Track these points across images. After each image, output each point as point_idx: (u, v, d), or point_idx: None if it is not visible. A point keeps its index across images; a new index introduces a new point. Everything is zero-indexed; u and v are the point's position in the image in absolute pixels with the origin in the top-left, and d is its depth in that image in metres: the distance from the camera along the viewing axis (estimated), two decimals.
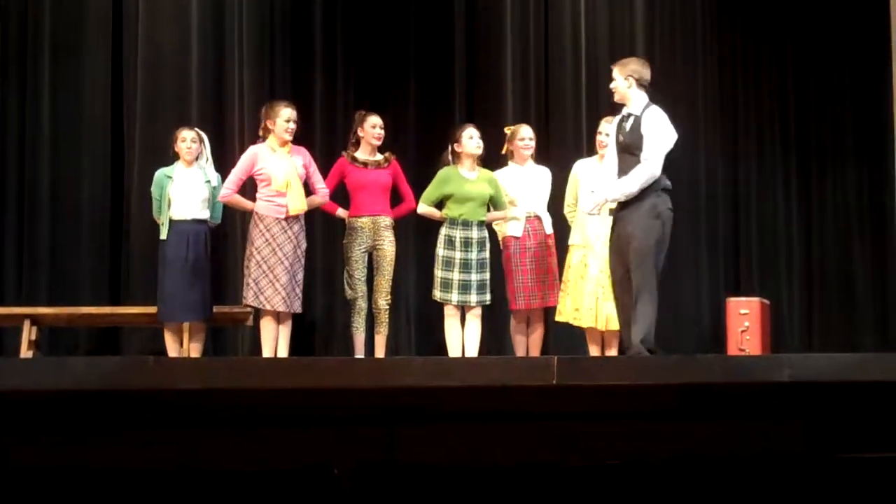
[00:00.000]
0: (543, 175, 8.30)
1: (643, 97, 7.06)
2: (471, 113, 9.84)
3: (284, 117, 7.93)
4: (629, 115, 7.02)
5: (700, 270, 10.03)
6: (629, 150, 6.97)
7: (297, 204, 7.84)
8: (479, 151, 8.14)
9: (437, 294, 8.09)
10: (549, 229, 8.19)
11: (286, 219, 7.83)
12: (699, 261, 10.05)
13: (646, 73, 7.10)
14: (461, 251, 8.02)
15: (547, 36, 10.11)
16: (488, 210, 8.15)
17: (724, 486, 3.17)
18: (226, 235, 9.19)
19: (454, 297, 8.03)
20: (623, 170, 6.99)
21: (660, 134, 6.95)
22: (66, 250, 9.45)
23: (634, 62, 7.21)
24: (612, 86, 7.12)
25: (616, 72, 7.09)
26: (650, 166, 6.89)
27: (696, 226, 10.05)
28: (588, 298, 7.87)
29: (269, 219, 7.83)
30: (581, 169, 8.11)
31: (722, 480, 3.17)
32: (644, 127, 6.95)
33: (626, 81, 7.03)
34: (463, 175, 8.13)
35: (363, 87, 9.91)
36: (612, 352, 7.95)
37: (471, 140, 8.12)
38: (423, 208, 8.22)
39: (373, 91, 9.85)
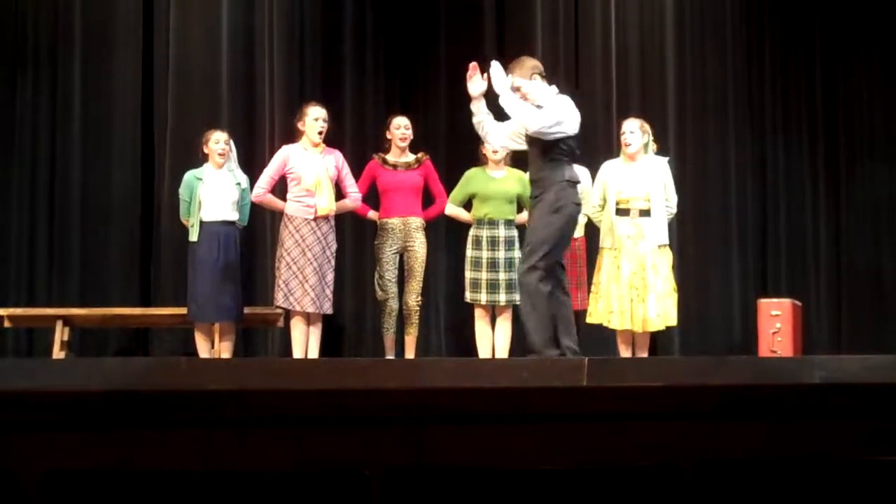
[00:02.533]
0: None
1: (553, 88, 6.84)
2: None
3: (313, 116, 7.95)
4: (539, 107, 6.70)
5: (729, 271, 9.98)
6: (532, 142, 6.74)
7: (326, 205, 7.86)
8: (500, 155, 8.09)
9: (468, 295, 8.11)
10: (576, 232, 8.14)
11: (315, 219, 7.85)
12: (728, 262, 10.00)
13: (540, 65, 6.92)
14: (488, 250, 8.02)
15: (577, 33, 10.09)
16: (520, 210, 8.14)
17: (754, 489, 3.15)
18: (256, 237, 9.21)
19: (483, 296, 8.04)
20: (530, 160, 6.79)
21: (561, 112, 6.66)
22: (97, 251, 9.49)
23: (528, 60, 6.95)
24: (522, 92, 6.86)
25: (516, 80, 6.77)
26: (538, 117, 6.59)
27: (725, 226, 10.00)
28: (621, 300, 7.83)
29: (299, 219, 7.86)
30: (608, 170, 8.08)
31: (753, 483, 3.16)
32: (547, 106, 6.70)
33: (532, 80, 6.78)
34: (489, 174, 8.14)
35: (393, 87, 9.92)
36: (643, 353, 7.92)
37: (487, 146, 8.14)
38: (451, 209, 8.23)
39: (403, 90, 9.87)
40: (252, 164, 8.61)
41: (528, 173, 6.91)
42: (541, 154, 6.69)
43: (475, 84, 6.78)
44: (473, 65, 6.80)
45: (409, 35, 9.94)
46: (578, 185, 6.84)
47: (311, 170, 7.90)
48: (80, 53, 9.61)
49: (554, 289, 6.62)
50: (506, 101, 6.66)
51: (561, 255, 6.73)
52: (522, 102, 6.67)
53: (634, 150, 7.96)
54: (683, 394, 4.20)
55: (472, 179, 8.17)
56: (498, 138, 6.96)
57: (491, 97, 6.76)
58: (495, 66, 6.71)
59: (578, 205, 6.77)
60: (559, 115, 6.64)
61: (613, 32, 10.04)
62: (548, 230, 6.56)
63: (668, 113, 9.96)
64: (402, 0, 9.99)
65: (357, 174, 8.23)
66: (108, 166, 9.55)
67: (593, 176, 8.18)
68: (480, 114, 6.87)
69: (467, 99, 6.85)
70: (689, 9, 10.19)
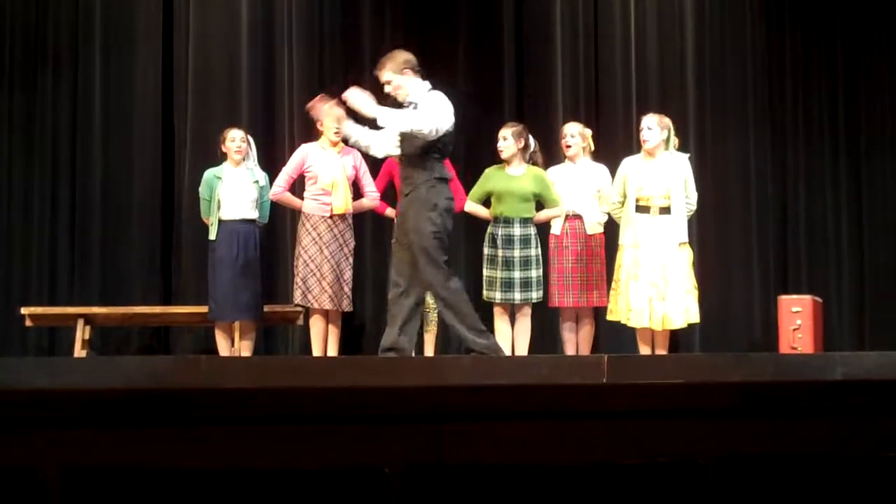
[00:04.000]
0: (593, 173, 8.26)
1: (425, 84, 6.81)
2: (520, 111, 9.83)
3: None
4: (412, 103, 6.71)
5: (749, 268, 9.96)
6: (405, 139, 6.71)
7: (342, 204, 7.88)
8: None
9: (484, 293, 8.12)
10: (590, 229, 8.14)
11: (331, 217, 7.87)
12: (749, 258, 9.97)
13: (413, 59, 6.86)
14: (503, 249, 8.03)
15: (597, 31, 10.07)
16: (539, 208, 8.14)
17: (775, 486, 3.14)
18: (276, 235, 9.22)
19: (497, 295, 8.05)
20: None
21: (436, 110, 6.63)
22: (117, 250, 9.52)
23: (400, 54, 6.91)
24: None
25: (387, 74, 6.78)
26: (426, 119, 6.56)
27: (745, 223, 9.98)
28: (641, 298, 7.82)
29: (316, 217, 7.89)
30: (628, 166, 8.07)
31: (772, 479, 3.15)
32: (422, 105, 6.68)
33: (404, 75, 6.74)
34: (506, 172, 8.14)
35: None
36: (662, 351, 7.91)
37: (503, 141, 8.15)
38: (470, 206, 8.24)
39: None
40: (271, 162, 8.63)
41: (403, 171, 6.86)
42: (413, 151, 6.67)
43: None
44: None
45: (429, 32, 9.93)
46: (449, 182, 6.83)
47: (328, 169, 7.92)
48: (100, 52, 9.64)
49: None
50: (382, 120, 6.62)
51: (446, 246, 6.68)
52: (397, 114, 6.62)
53: (652, 146, 7.94)
54: (704, 391, 4.20)
55: (489, 177, 8.19)
56: (381, 148, 6.93)
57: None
58: (352, 93, 6.69)
59: (450, 199, 6.70)
60: (434, 114, 6.59)
61: (633, 30, 10.01)
62: (428, 228, 6.55)
63: (688, 109, 9.93)
64: (420, 0, 9.99)
65: (375, 172, 8.24)
66: (128, 165, 9.58)
67: (613, 172, 8.17)
68: (354, 135, 6.91)
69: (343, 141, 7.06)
70: (709, 5, 10.16)
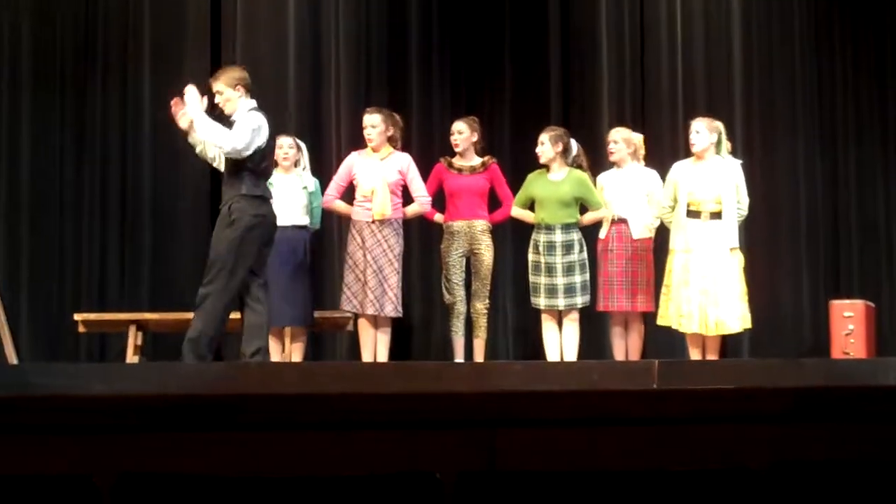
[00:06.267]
0: (641, 178, 8.24)
1: (251, 102, 6.99)
2: (567, 115, 9.82)
3: (363, 123, 8.07)
4: (234, 121, 6.91)
5: (800, 272, 9.88)
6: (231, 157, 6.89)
7: (379, 209, 7.90)
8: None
9: (532, 299, 8.14)
10: (637, 233, 8.11)
11: (374, 222, 7.91)
12: (799, 262, 9.90)
13: (247, 77, 7.08)
14: (546, 255, 8.04)
15: (643, 36, 10.04)
16: (584, 211, 8.14)
17: (827, 492, 3.13)
18: (327, 241, 9.26)
19: (542, 301, 8.07)
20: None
21: (247, 130, 6.79)
22: (167, 256, 9.60)
23: (237, 70, 7.14)
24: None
25: (219, 85, 6.97)
26: (231, 137, 6.76)
27: (796, 226, 9.91)
28: (691, 303, 7.77)
29: (361, 223, 7.95)
30: (679, 171, 8.02)
31: (825, 485, 3.13)
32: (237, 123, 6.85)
33: (237, 91, 6.94)
34: (548, 177, 8.14)
35: (459, 92, 9.94)
36: (713, 356, 7.87)
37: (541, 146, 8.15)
38: (515, 211, 8.27)
39: (469, 94, 9.89)
40: (320, 171, 8.68)
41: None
42: (228, 166, 6.90)
43: (182, 118, 6.98)
44: (175, 100, 7.01)
45: (474, 41, 9.95)
46: (267, 199, 6.96)
47: (368, 175, 7.99)
48: (149, 60, 9.72)
49: (244, 297, 6.82)
50: (199, 125, 6.85)
51: (247, 265, 6.78)
52: (213, 127, 6.84)
53: (700, 149, 7.90)
54: (755, 396, 4.17)
55: (532, 183, 8.20)
56: (210, 147, 7.08)
57: None
58: (190, 89, 6.90)
59: (256, 216, 6.80)
60: (243, 133, 6.77)
61: (679, 35, 9.97)
62: (223, 245, 6.75)
63: (736, 113, 9.88)
64: (467, 3, 10.00)
65: (425, 179, 8.26)
66: (178, 171, 9.64)
67: (663, 177, 8.14)
68: (199, 144, 7.08)
69: (183, 134, 7.12)
70: (757, 11, 10.10)
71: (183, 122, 6.98)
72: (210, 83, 7.04)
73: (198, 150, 7.16)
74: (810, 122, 10.04)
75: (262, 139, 6.85)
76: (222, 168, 7.06)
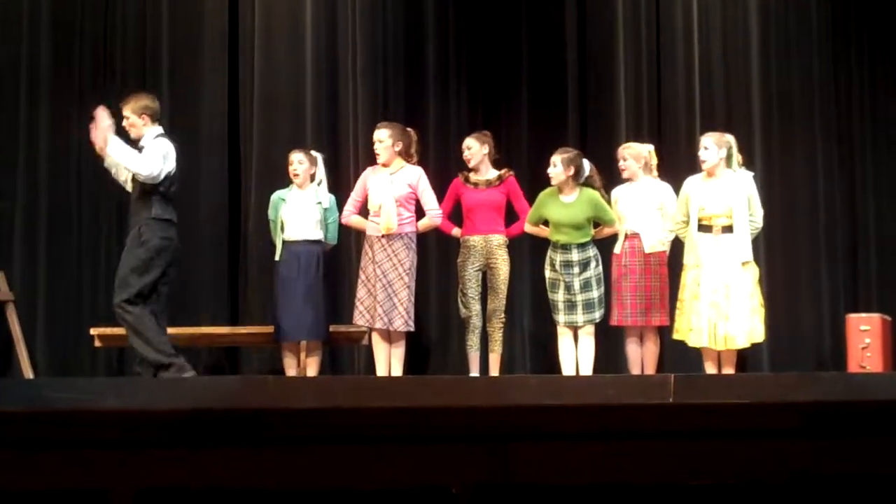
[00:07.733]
0: (653, 191, 8.23)
1: (157, 129, 7.31)
2: (584, 129, 9.81)
3: (373, 137, 8.10)
4: (143, 147, 7.23)
5: (818, 285, 9.84)
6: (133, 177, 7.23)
7: (386, 223, 7.91)
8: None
9: (553, 316, 8.14)
10: (649, 247, 8.10)
11: (383, 236, 7.92)
12: (817, 276, 9.85)
13: (155, 106, 7.40)
14: (563, 274, 8.05)
15: (659, 50, 10.02)
16: (597, 226, 8.14)
17: None
18: (341, 256, 9.26)
19: (561, 318, 8.08)
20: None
21: (156, 156, 7.15)
22: (185, 271, 9.58)
23: (144, 98, 7.41)
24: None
25: (126, 110, 7.31)
26: (144, 163, 7.11)
27: (813, 240, 9.86)
28: (701, 318, 7.76)
29: (372, 238, 7.97)
30: (691, 186, 8.00)
31: (842, 500, 3.12)
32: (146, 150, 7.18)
33: (141, 119, 7.27)
34: (560, 199, 8.13)
35: (476, 106, 9.94)
36: (729, 370, 7.85)
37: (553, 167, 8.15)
38: (529, 227, 8.28)
39: (485, 110, 9.89)
40: (337, 186, 8.70)
41: None
42: (137, 189, 7.25)
43: (98, 138, 7.25)
44: (92, 123, 7.27)
45: (491, 54, 9.95)
46: (170, 224, 7.33)
47: (376, 190, 8.01)
48: (167, 74, 9.74)
49: (151, 313, 7.25)
50: (112, 149, 7.17)
51: (152, 283, 7.22)
52: (125, 151, 7.18)
53: (710, 165, 7.88)
54: (772, 410, 4.16)
55: (544, 204, 8.19)
56: (123, 171, 7.39)
57: None
58: (101, 112, 7.22)
59: (165, 238, 7.24)
60: (153, 160, 7.15)
61: (696, 47, 9.96)
62: (133, 262, 7.17)
63: (754, 125, 9.85)
64: (484, 18, 10.01)
65: (441, 193, 8.26)
66: (195, 186, 9.63)
67: (677, 191, 8.12)
68: (113, 167, 7.40)
69: (99, 158, 7.43)
70: (775, 21, 10.08)
71: (100, 141, 7.23)
72: (121, 105, 7.40)
73: (112, 171, 7.46)
74: (828, 133, 9.99)
75: (170, 165, 7.26)
76: (129, 190, 7.38)
